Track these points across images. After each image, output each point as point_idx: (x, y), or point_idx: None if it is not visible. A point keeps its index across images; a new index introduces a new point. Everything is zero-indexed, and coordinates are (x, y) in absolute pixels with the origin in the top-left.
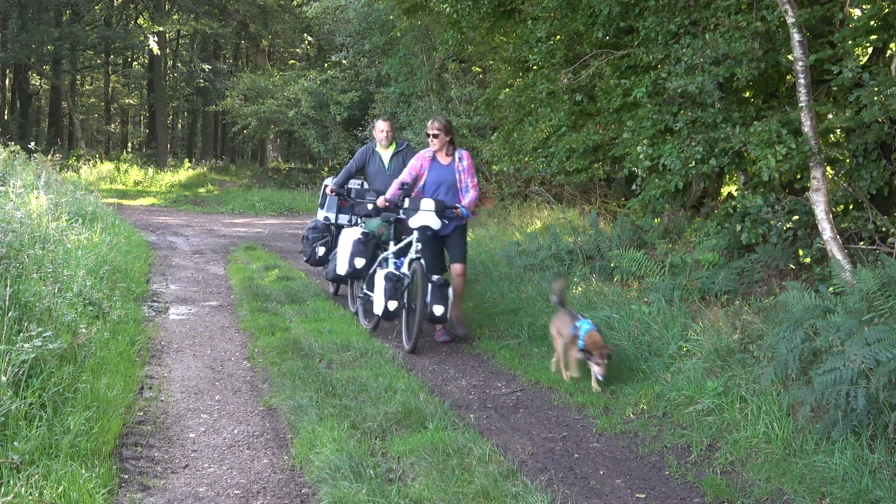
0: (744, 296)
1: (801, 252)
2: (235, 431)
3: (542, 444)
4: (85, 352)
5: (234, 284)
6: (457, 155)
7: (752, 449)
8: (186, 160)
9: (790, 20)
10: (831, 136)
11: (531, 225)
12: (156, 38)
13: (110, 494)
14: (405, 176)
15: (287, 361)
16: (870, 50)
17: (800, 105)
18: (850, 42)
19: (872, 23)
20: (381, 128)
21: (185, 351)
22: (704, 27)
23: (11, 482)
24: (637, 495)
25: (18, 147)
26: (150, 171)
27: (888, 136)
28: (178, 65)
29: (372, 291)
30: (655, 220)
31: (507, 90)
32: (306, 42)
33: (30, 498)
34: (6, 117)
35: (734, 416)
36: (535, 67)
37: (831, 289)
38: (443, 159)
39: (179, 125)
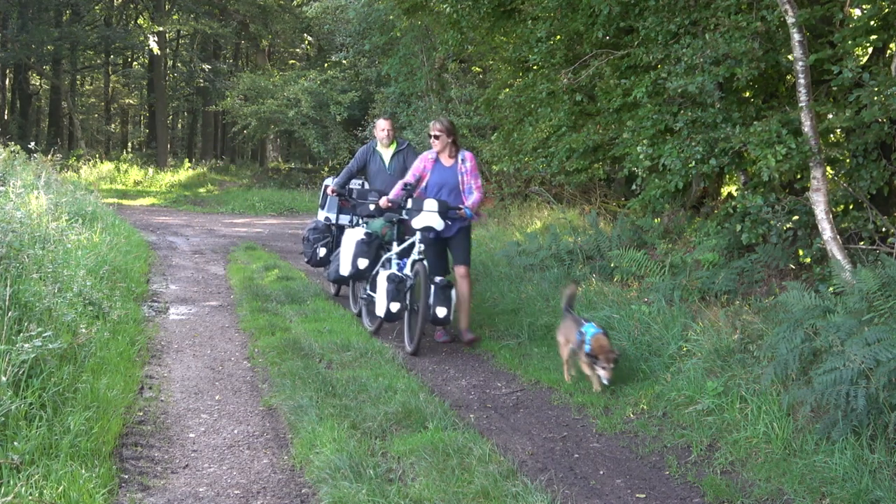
0: (744, 296)
1: (801, 252)
2: (235, 431)
3: (542, 444)
4: (85, 352)
5: (234, 284)
6: (459, 156)
7: (752, 449)
8: (186, 160)
9: (790, 20)
10: (831, 136)
11: (531, 225)
12: (156, 38)
13: (110, 494)
14: (408, 177)
15: (287, 361)
16: (870, 50)
17: (800, 105)
18: (850, 42)
19: (872, 23)
20: (381, 126)
21: (185, 351)
22: (704, 27)
23: (11, 482)
24: (637, 495)
25: (18, 147)
26: (150, 171)
27: (888, 136)
28: (178, 65)
29: (375, 293)
30: (655, 220)
31: (507, 90)
32: (306, 42)
33: (30, 498)
34: (6, 117)
35: (734, 416)
36: (535, 67)
37: (831, 289)
38: (446, 161)
39: (179, 125)
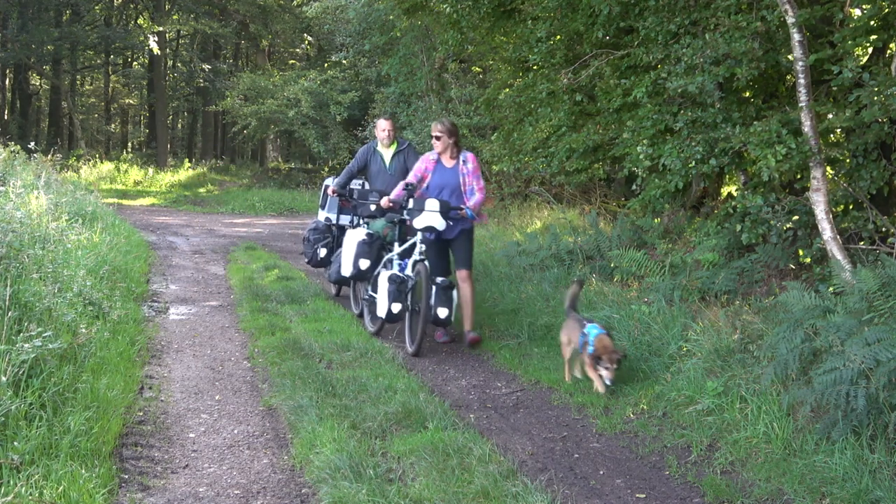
0: (744, 296)
1: (801, 252)
2: (235, 431)
3: (542, 444)
4: (85, 352)
5: (234, 284)
6: (461, 157)
7: (752, 449)
8: (186, 160)
9: (790, 20)
10: (831, 136)
11: (531, 225)
12: (156, 38)
13: (110, 494)
14: (410, 178)
15: (287, 361)
16: (870, 50)
17: (800, 105)
18: (850, 42)
19: (872, 23)
20: (382, 127)
21: (185, 351)
22: (704, 27)
23: (11, 482)
24: (637, 495)
25: (18, 147)
26: (150, 171)
27: (888, 136)
28: (178, 65)
29: (376, 293)
30: (655, 220)
31: (507, 90)
32: (306, 42)
33: (30, 498)
34: (6, 117)
35: (734, 416)
36: (535, 67)
37: (831, 289)
38: (447, 162)
39: (179, 125)
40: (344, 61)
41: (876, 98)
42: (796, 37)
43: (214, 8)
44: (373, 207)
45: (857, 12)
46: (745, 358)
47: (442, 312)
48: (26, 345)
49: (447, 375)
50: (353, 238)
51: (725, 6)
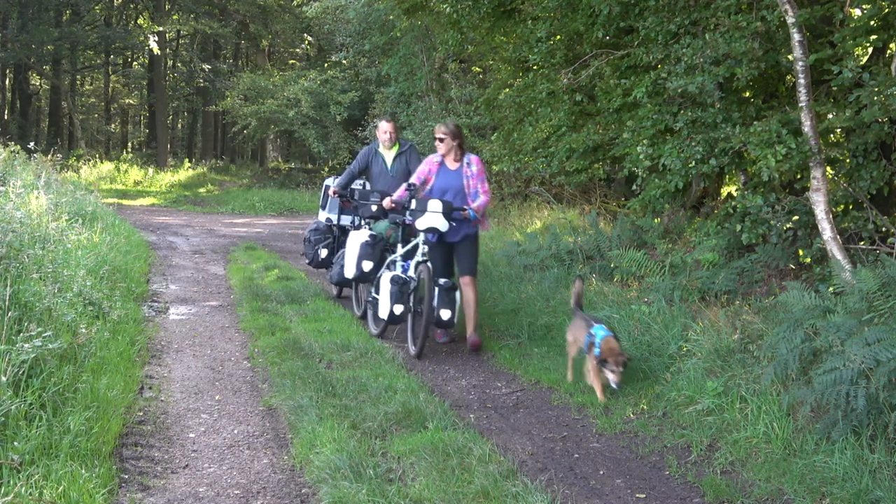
0: (744, 296)
1: (801, 252)
2: (235, 431)
3: (542, 444)
4: (85, 352)
5: (234, 284)
6: (465, 160)
7: (752, 449)
8: (186, 160)
9: (790, 20)
10: (831, 136)
11: (531, 225)
12: (156, 38)
13: (110, 494)
14: (413, 179)
15: (287, 361)
16: (870, 50)
17: (800, 105)
18: (850, 42)
19: (872, 23)
20: (384, 129)
21: (185, 351)
22: (704, 27)
23: (11, 482)
24: (637, 495)
25: (18, 147)
26: (150, 171)
27: (888, 136)
28: (178, 65)
29: (378, 295)
30: (655, 220)
31: (507, 90)
32: (306, 42)
33: (30, 498)
34: (6, 117)
35: (734, 416)
36: (535, 67)
37: (831, 289)
38: (451, 164)
39: (179, 125)
40: (344, 61)
41: (876, 98)
42: (796, 37)
43: (214, 8)
44: (374, 208)
45: (857, 12)
46: (745, 358)
47: (444, 314)
48: (26, 345)
49: (447, 375)
50: (357, 239)
51: (725, 6)
